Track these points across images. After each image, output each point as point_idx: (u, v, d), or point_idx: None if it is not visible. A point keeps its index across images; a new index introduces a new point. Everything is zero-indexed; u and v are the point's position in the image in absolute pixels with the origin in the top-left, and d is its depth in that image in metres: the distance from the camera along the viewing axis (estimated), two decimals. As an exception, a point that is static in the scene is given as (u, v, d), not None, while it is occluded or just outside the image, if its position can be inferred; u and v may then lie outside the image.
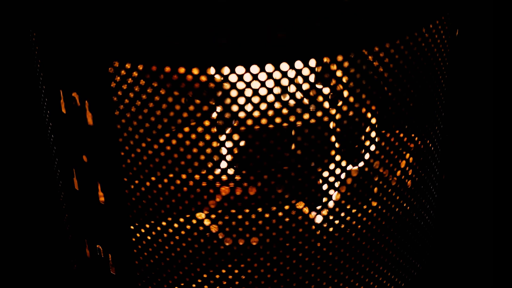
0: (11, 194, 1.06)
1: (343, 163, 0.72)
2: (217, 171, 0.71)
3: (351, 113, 0.70)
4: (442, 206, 0.86)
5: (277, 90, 0.67)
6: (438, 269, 0.94)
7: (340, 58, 0.67)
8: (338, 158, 0.71)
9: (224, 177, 0.71)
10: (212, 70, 0.66)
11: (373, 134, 0.73)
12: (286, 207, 0.72)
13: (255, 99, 0.67)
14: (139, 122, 0.69)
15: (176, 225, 0.73)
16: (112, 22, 0.66)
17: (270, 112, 0.67)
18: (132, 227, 0.74)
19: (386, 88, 0.71)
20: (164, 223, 0.73)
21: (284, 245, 0.73)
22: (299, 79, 0.66)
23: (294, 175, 0.70)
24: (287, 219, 0.73)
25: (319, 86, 0.68)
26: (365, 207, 0.75)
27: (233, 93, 0.66)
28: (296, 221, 0.73)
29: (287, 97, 0.67)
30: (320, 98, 0.68)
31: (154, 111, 0.68)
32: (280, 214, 0.72)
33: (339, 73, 0.67)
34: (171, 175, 0.71)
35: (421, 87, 0.73)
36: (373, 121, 0.72)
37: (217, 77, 0.66)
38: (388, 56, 0.69)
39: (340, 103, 0.69)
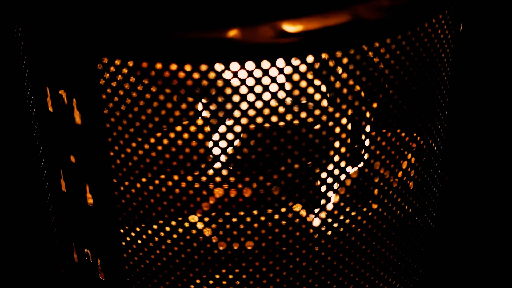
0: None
1: (342, 164, 0.72)
2: (211, 172, 0.71)
3: (350, 112, 0.69)
4: (445, 209, 0.86)
5: (273, 88, 0.66)
6: (441, 274, 0.94)
7: (339, 54, 0.66)
8: (337, 158, 0.71)
9: (218, 179, 0.71)
10: (205, 67, 0.65)
11: (373, 133, 0.72)
12: (283, 209, 0.72)
13: (251, 97, 0.66)
14: (129, 121, 0.69)
15: (167, 229, 0.73)
16: (101, 16, 0.65)
17: (266, 111, 0.67)
18: (121, 231, 0.74)
19: (387, 86, 0.71)
20: (155, 226, 0.73)
21: (280, 249, 0.73)
22: (296, 76, 0.66)
23: (291, 176, 0.70)
24: (283, 222, 0.72)
25: (317, 83, 0.67)
26: (365, 209, 0.75)
27: (227, 90, 0.66)
28: (293, 224, 0.72)
29: (283, 95, 0.67)
30: (318, 96, 0.67)
31: (144, 110, 0.68)
32: (277, 217, 0.72)
33: (338, 70, 0.67)
34: (162, 176, 0.71)
35: (423, 84, 0.73)
36: (373, 120, 0.72)
37: (211, 74, 0.66)
38: (389, 52, 0.69)
39: (339, 101, 0.68)
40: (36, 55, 0.70)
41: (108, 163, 0.70)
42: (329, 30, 0.64)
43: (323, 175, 0.71)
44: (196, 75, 0.65)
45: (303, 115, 0.67)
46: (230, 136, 0.68)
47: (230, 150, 0.69)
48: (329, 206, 0.73)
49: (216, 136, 0.68)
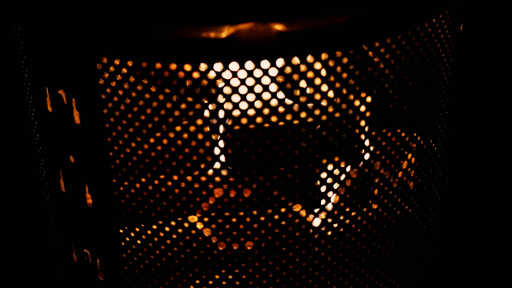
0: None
1: (342, 164, 0.71)
2: (210, 172, 0.70)
3: (350, 112, 0.69)
4: (445, 209, 0.86)
5: (273, 88, 0.66)
6: (441, 274, 0.94)
7: (339, 54, 0.66)
8: (336, 158, 0.70)
9: (217, 179, 0.70)
10: (204, 67, 0.65)
11: (373, 133, 0.72)
12: (283, 209, 0.71)
13: (250, 97, 0.66)
14: (128, 121, 0.69)
15: (167, 229, 0.72)
16: (100, 16, 0.65)
17: (266, 111, 0.66)
18: (121, 231, 0.74)
19: (387, 86, 0.71)
20: (154, 227, 0.73)
21: (280, 249, 0.72)
22: (296, 76, 0.66)
23: (290, 176, 0.70)
24: (283, 223, 0.72)
25: (317, 83, 0.67)
26: (365, 209, 0.74)
27: (227, 90, 0.66)
28: (293, 224, 0.72)
29: (283, 95, 0.66)
30: (318, 96, 0.67)
31: (144, 110, 0.68)
32: (276, 217, 0.71)
33: (338, 70, 0.67)
34: (162, 177, 0.70)
35: (423, 84, 0.73)
36: (374, 120, 0.72)
37: (210, 74, 0.65)
38: (389, 52, 0.69)
39: (338, 101, 0.68)
40: (35, 55, 0.69)
41: (107, 163, 0.70)
42: (329, 30, 0.63)
43: (323, 175, 0.71)
44: (195, 75, 0.65)
45: (303, 115, 0.67)
46: (229, 136, 0.68)
47: (229, 150, 0.69)
48: (329, 206, 0.73)
49: (215, 136, 0.68)
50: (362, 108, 0.70)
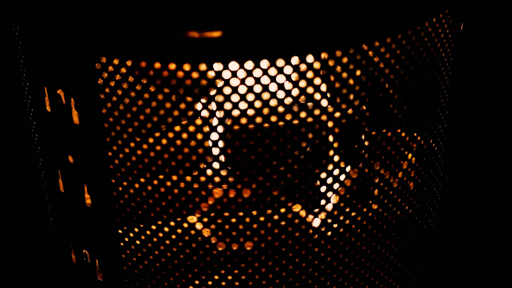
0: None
1: (342, 164, 0.71)
2: (210, 172, 0.70)
3: (350, 111, 0.69)
4: (445, 209, 0.86)
5: (272, 87, 0.66)
6: (441, 275, 0.94)
7: (339, 53, 0.66)
8: (336, 158, 0.70)
9: (217, 179, 0.70)
10: (204, 66, 0.65)
11: (373, 133, 0.72)
12: (282, 210, 0.71)
13: (250, 97, 0.66)
14: (127, 120, 0.69)
15: (166, 229, 0.72)
16: (99, 15, 0.65)
17: (265, 110, 0.66)
18: (120, 231, 0.74)
19: (387, 85, 0.70)
20: (153, 227, 0.73)
21: (280, 250, 0.72)
22: (296, 76, 0.65)
23: (290, 176, 0.70)
24: (283, 223, 0.72)
25: (317, 83, 0.66)
26: (365, 210, 0.74)
27: (227, 90, 0.65)
28: (293, 224, 0.72)
29: (283, 95, 0.66)
30: (318, 96, 0.67)
31: (143, 109, 0.68)
32: (276, 217, 0.71)
33: (337, 69, 0.66)
34: (161, 177, 0.70)
35: (424, 84, 0.73)
36: (374, 120, 0.72)
37: (210, 74, 0.65)
38: (389, 51, 0.69)
39: (338, 101, 0.68)
40: (34, 54, 0.69)
41: (106, 163, 0.70)
42: (329, 30, 0.63)
43: (323, 175, 0.70)
44: (195, 75, 0.65)
45: (303, 115, 0.67)
46: (229, 136, 0.67)
47: (229, 150, 0.69)
48: (329, 207, 0.72)
49: (215, 136, 0.68)
50: (362, 108, 0.70)
